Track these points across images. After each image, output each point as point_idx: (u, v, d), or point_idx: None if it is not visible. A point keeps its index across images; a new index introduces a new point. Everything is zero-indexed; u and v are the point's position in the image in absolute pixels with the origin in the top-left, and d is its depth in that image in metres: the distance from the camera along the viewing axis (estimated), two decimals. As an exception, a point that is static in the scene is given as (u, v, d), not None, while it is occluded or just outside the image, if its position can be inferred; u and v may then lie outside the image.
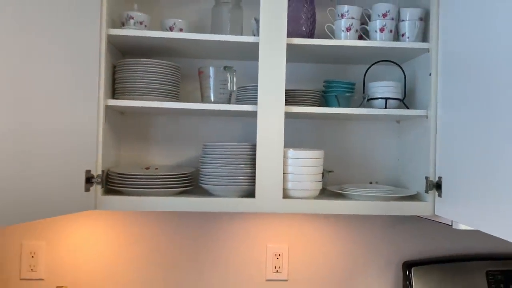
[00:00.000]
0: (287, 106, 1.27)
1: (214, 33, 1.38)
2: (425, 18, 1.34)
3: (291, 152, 1.26)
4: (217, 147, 1.28)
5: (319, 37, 1.47)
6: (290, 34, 1.32)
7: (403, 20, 1.35)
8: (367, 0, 1.55)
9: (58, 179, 1.09)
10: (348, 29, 1.33)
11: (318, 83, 1.56)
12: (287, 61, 1.38)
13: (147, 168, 1.47)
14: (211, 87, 1.34)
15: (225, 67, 1.33)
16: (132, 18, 1.33)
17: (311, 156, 1.26)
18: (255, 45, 1.28)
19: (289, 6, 1.36)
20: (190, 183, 1.33)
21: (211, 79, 1.34)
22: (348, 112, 1.31)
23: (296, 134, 1.56)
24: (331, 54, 1.42)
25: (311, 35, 1.41)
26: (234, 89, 1.34)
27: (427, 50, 1.31)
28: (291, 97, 1.39)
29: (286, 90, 1.36)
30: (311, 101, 1.41)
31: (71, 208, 1.13)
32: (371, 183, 1.58)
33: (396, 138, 1.59)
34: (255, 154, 1.26)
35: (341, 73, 1.58)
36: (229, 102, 1.38)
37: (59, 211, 1.09)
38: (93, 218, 1.53)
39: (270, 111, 1.25)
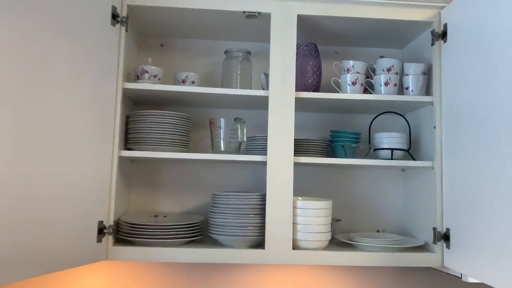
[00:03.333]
0: (295, 157, 1.30)
1: (225, 85, 1.44)
2: (428, 72, 1.40)
3: (300, 202, 1.28)
4: (226, 197, 1.30)
5: (325, 87, 1.53)
6: (297, 86, 1.38)
7: (406, 74, 1.40)
8: (371, 53, 1.64)
9: (70, 231, 1.10)
10: (353, 83, 1.39)
11: (325, 131, 1.61)
12: (295, 110, 1.41)
13: (155, 216, 1.48)
14: (221, 137, 1.38)
15: (235, 119, 1.37)
16: (147, 72, 1.39)
17: (321, 207, 1.28)
18: (265, 98, 1.33)
19: (296, 60, 1.42)
20: (199, 232, 1.34)
21: (221, 129, 1.38)
22: (355, 163, 1.34)
23: (304, 181, 1.59)
24: (338, 105, 1.47)
25: (317, 87, 1.46)
26: (244, 139, 1.38)
27: (431, 103, 1.36)
28: (299, 147, 1.42)
29: (294, 140, 1.39)
30: (318, 150, 1.45)
31: (82, 260, 1.14)
32: (378, 231, 1.58)
33: (402, 186, 1.61)
34: (264, 204, 1.28)
35: (347, 121, 1.63)
36: (238, 151, 1.41)
37: (69, 264, 1.10)
38: (101, 267, 1.52)
39: (279, 162, 1.28)
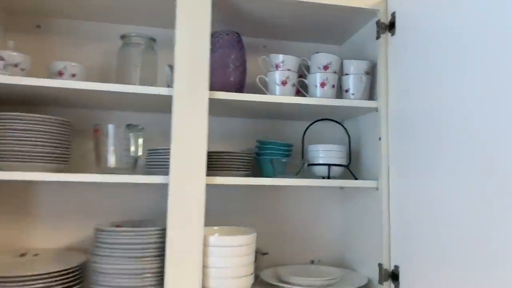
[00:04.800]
0: (209, 177, 0.99)
1: (120, 80, 1.10)
2: (372, 72, 1.16)
3: (213, 239, 0.97)
4: (112, 234, 0.95)
5: (253, 87, 1.23)
6: (215, 86, 1.08)
7: (347, 74, 1.16)
8: (305, 49, 1.38)
9: None
10: (283, 83, 1.11)
11: (252, 141, 1.32)
12: (214, 115, 1.16)
13: (22, 255, 1.09)
14: (110, 150, 1.03)
15: (127, 125, 1.03)
16: (2, 59, 1.00)
17: (241, 243, 0.98)
18: (169, 98, 1.00)
19: (214, 52, 1.12)
20: (78, 280, 0.98)
21: (109, 139, 1.03)
22: (284, 184, 1.06)
23: (222, 203, 1.28)
24: (265, 110, 1.19)
25: (241, 86, 1.16)
26: (140, 153, 1.04)
27: (375, 109, 1.12)
28: (217, 162, 1.12)
29: (209, 153, 1.10)
30: (241, 166, 1.15)
31: None
32: (312, 262, 1.32)
33: (339, 207, 1.36)
34: (165, 242, 0.95)
35: (279, 129, 1.35)
36: (134, 168, 1.07)
37: None
38: None
39: (186, 184, 0.96)
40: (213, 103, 1.05)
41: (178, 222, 0.94)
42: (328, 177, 1.14)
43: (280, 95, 1.09)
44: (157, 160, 1.05)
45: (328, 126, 1.36)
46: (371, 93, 1.16)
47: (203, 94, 0.99)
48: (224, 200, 1.28)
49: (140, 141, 1.03)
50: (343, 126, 1.23)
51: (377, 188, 1.10)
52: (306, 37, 1.35)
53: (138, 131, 1.03)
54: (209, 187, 1.19)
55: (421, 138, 0.93)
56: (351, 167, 1.23)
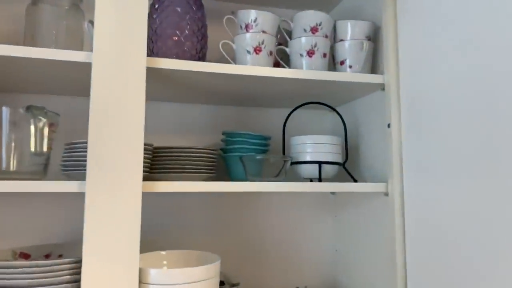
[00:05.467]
0: (148, 182, 0.68)
1: (29, 45, 0.77)
2: (375, 38, 0.87)
3: (155, 273, 0.66)
4: (3, 271, 0.63)
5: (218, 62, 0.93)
6: (163, 55, 0.77)
7: (341, 40, 0.86)
8: (284, 16, 1.09)
9: None
10: (257, 50, 0.80)
11: (217, 133, 1.02)
12: (165, 100, 0.92)
13: None
14: (4, 145, 0.70)
15: (28, 108, 0.70)
16: None
17: (195, 278, 0.67)
18: (89, 67, 0.69)
19: (161, 11, 0.82)
20: None
21: (3, 129, 0.70)
22: (260, 190, 0.75)
23: (174, 217, 0.97)
24: (232, 89, 0.88)
25: (199, 59, 0.85)
26: (44, 149, 0.71)
27: (381, 86, 0.83)
28: (165, 161, 0.81)
29: (160, 149, 0.79)
30: (200, 166, 0.84)
31: None
32: (298, 289, 1.02)
33: (331, 217, 1.07)
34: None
35: (252, 117, 1.05)
36: (45, 171, 0.74)
37: None
38: None
39: (112, 193, 0.64)
40: (157, 75, 0.74)
41: (98, 250, 0.62)
42: (319, 179, 0.84)
43: (252, 66, 0.79)
44: (76, 159, 0.73)
45: (315, 113, 1.07)
46: (374, 66, 0.87)
47: (137, 61, 0.68)
48: (177, 213, 0.96)
49: (45, 131, 0.70)
50: (336, 112, 0.93)
51: (386, 194, 0.81)
52: (285, 1, 1.06)
53: (44, 116, 0.70)
54: (156, 196, 0.89)
55: (447, 124, 0.65)
56: (347, 166, 0.94)
